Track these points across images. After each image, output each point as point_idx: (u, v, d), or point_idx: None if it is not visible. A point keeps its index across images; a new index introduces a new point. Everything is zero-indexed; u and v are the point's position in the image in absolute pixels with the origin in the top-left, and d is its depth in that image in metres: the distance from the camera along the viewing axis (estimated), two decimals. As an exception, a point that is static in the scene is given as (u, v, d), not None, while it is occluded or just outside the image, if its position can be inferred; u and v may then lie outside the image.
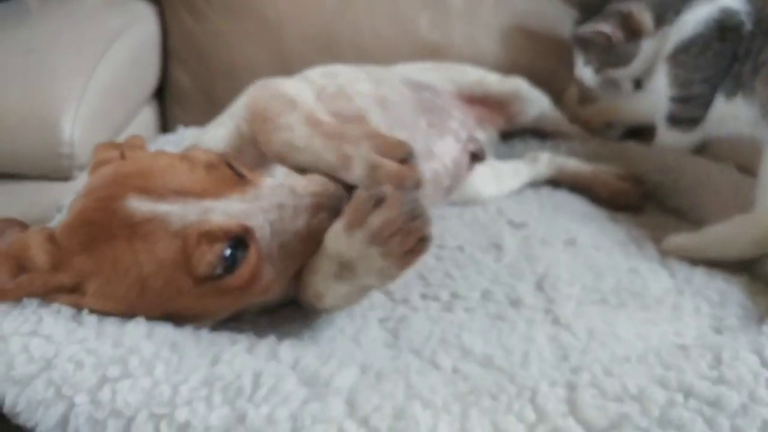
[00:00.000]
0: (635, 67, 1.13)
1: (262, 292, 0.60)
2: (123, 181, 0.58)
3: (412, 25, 1.31)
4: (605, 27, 1.09)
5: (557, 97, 1.28)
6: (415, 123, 0.98)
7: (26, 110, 0.85)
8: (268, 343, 0.54)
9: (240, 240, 0.57)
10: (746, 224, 0.82)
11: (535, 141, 1.24)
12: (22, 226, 0.65)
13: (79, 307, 0.56)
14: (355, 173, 0.62)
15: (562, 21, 1.25)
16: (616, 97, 1.27)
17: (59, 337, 0.52)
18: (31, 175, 0.88)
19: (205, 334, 0.56)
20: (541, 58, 1.32)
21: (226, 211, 0.57)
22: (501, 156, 1.18)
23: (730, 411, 0.46)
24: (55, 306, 0.56)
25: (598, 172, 1.10)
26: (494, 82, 1.19)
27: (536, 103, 1.21)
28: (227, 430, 0.46)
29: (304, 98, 0.73)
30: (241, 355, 0.52)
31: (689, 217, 0.99)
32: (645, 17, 1.10)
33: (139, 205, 0.56)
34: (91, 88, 0.93)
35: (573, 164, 1.14)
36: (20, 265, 0.58)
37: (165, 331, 0.55)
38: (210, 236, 0.55)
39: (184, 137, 1.11)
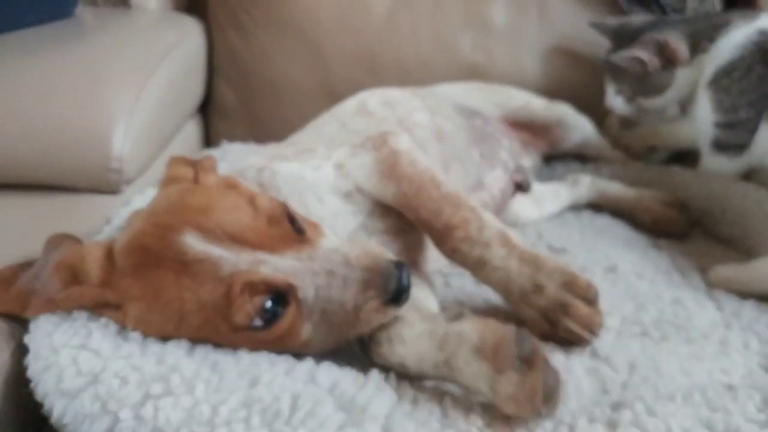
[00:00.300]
0: (668, 96, 1.12)
1: (299, 347, 0.60)
2: (185, 212, 0.59)
3: (454, 45, 1.31)
4: (642, 53, 1.08)
5: (599, 119, 1.26)
6: (469, 155, 0.99)
7: (79, 125, 0.88)
8: (306, 365, 0.54)
9: (282, 296, 0.58)
10: (798, 258, 0.79)
11: (576, 164, 1.23)
12: (77, 241, 0.67)
13: (122, 325, 0.58)
14: (541, 304, 0.66)
15: (604, 42, 1.23)
16: (659, 122, 1.24)
17: (106, 352, 0.54)
18: (80, 188, 0.90)
19: (244, 354, 0.57)
20: (583, 79, 1.31)
21: (276, 265, 0.57)
22: (542, 178, 1.17)
23: (779, 457, 0.44)
24: (104, 320, 0.58)
25: (641, 197, 1.08)
26: (540, 107, 1.19)
27: (580, 129, 1.21)
28: (264, 452, 0.46)
29: (431, 166, 0.75)
30: (279, 378, 0.52)
31: (738, 247, 0.96)
32: (680, 46, 1.09)
33: (194, 243, 0.56)
34: (142, 103, 0.95)
35: (615, 188, 1.12)
36: (74, 276, 0.60)
37: (205, 350, 0.56)
38: (253, 287, 0.56)
39: (226, 152, 1.13)
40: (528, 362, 0.52)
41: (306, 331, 0.59)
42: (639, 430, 0.46)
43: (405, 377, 0.57)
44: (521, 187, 1.06)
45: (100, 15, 1.30)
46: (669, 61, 1.09)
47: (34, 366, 0.55)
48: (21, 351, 0.58)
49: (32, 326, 0.59)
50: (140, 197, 0.85)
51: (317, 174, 0.74)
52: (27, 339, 0.58)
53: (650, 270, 0.86)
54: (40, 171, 0.89)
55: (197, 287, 0.56)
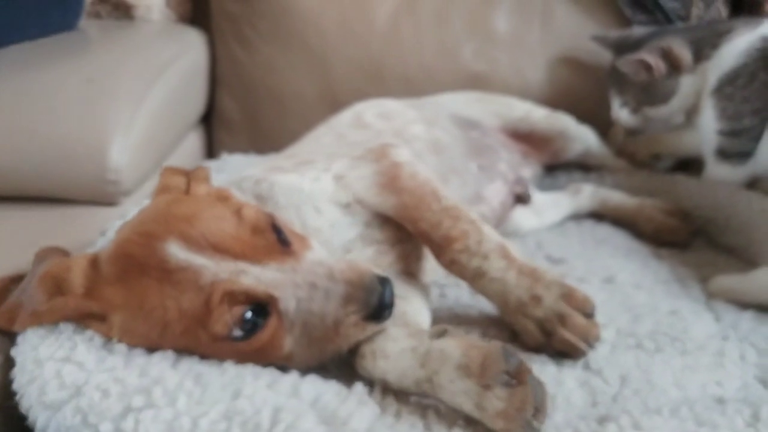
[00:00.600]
0: (674, 105, 1.10)
1: (281, 360, 0.60)
2: (170, 221, 0.59)
3: (457, 54, 1.31)
4: (648, 56, 1.07)
5: (603, 128, 1.25)
6: (466, 167, 0.98)
7: (76, 137, 0.89)
8: (290, 378, 0.54)
9: (263, 307, 0.57)
10: (799, 267, 0.78)
11: (578, 173, 1.22)
12: (65, 253, 0.68)
13: (107, 336, 0.58)
14: (537, 314, 0.66)
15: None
16: (663, 130, 1.23)
17: (90, 365, 0.54)
18: (78, 200, 0.91)
19: (230, 366, 0.56)
20: (587, 88, 1.30)
21: (258, 276, 0.57)
22: (544, 187, 1.16)
23: (767, 474, 0.43)
24: (89, 333, 0.58)
25: (643, 206, 1.07)
26: (540, 118, 1.18)
27: (582, 140, 1.19)
28: (244, 465, 0.46)
29: (431, 178, 0.76)
30: (262, 390, 0.52)
31: (742, 256, 0.95)
32: (684, 52, 1.08)
33: (177, 252, 0.57)
34: (140, 115, 0.96)
35: (617, 197, 1.11)
36: (58, 287, 0.60)
37: (190, 362, 0.56)
38: (233, 297, 0.56)
39: (225, 163, 1.13)
40: (516, 376, 0.52)
41: (287, 343, 0.59)
42: (623, 444, 0.45)
43: (390, 390, 0.57)
44: (521, 199, 1.06)
45: (103, 28, 1.31)
46: (674, 67, 1.08)
47: (19, 379, 0.55)
48: (9, 364, 0.58)
49: (19, 339, 0.59)
50: (137, 209, 0.86)
51: (315, 186, 0.74)
52: (14, 352, 0.58)
53: (649, 280, 0.85)
54: (38, 182, 0.90)
55: (179, 295, 0.56)
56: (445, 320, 0.73)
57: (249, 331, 0.57)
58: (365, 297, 0.58)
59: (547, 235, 0.98)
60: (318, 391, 0.52)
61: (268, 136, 1.33)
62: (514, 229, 1.03)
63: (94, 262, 0.60)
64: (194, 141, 1.33)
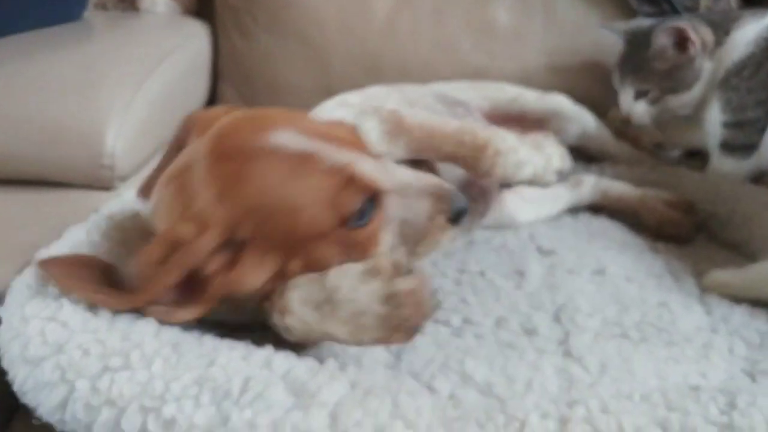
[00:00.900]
0: (695, 92, 1.06)
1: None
2: (266, 119, 0.59)
3: (456, 47, 1.30)
4: (687, 27, 1.01)
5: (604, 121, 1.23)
6: None
7: (72, 121, 0.90)
8: (264, 352, 0.54)
9: (373, 199, 0.59)
10: (796, 262, 0.76)
11: (580, 163, 1.19)
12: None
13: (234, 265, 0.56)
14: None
15: (612, 45, 1.21)
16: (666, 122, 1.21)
17: (74, 325, 0.54)
18: (73, 183, 0.91)
19: (209, 338, 0.56)
20: (589, 83, 1.29)
21: (370, 168, 0.59)
22: (543, 180, 1.14)
23: (736, 462, 0.42)
24: (75, 296, 0.58)
25: (646, 197, 1.04)
26: (532, 99, 1.15)
27: (578, 120, 1.15)
28: (210, 430, 0.47)
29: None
30: (236, 361, 0.52)
31: (742, 251, 0.92)
32: (708, 33, 1.04)
33: (290, 140, 0.57)
34: (138, 102, 0.97)
35: (619, 188, 1.08)
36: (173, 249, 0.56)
37: (172, 332, 0.56)
38: (357, 183, 0.57)
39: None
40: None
41: (385, 241, 0.61)
42: (590, 426, 0.44)
43: (361, 367, 0.57)
44: None
45: (108, 18, 1.32)
46: (703, 45, 1.03)
47: (4, 335, 0.56)
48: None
49: (8, 299, 0.59)
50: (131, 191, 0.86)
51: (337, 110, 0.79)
52: (1, 311, 0.58)
53: (642, 273, 0.83)
54: (33, 166, 0.91)
55: (303, 183, 0.56)
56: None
57: (360, 221, 0.58)
58: (448, 202, 0.62)
59: (541, 227, 0.97)
60: (290, 365, 0.52)
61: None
62: (508, 221, 1.02)
63: (183, 214, 0.56)
64: (195, 131, 1.34)
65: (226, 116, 0.63)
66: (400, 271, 0.55)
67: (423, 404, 0.48)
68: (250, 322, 0.62)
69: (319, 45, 1.30)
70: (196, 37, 1.33)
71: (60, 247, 0.66)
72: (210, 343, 0.55)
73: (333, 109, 0.94)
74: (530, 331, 0.67)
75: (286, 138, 0.57)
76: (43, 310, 0.56)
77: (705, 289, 0.80)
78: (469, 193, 0.83)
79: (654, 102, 1.10)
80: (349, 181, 0.57)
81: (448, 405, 0.48)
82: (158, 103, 1.04)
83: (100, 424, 0.48)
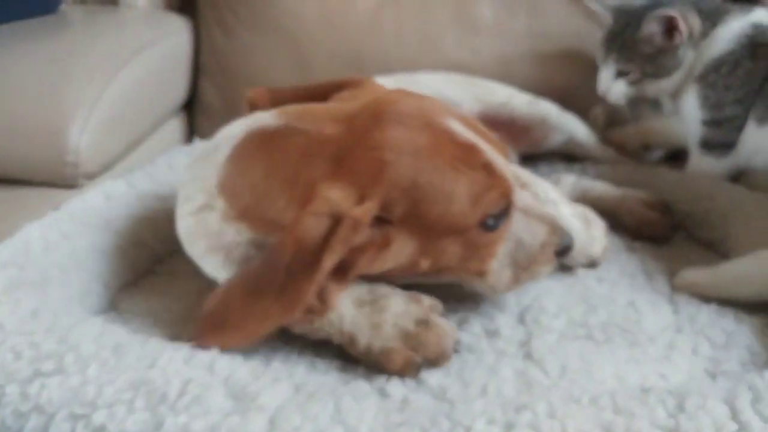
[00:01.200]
0: (675, 79, 1.04)
1: (483, 271, 0.63)
2: (437, 106, 0.60)
3: (440, 43, 1.29)
4: (677, 15, 0.99)
5: (588, 118, 1.22)
6: None
7: (36, 117, 0.89)
8: (208, 355, 0.53)
9: (507, 208, 0.61)
10: (764, 261, 0.75)
11: (561, 163, 1.18)
12: None
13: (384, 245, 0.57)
14: None
15: (596, 40, 1.19)
16: (650, 119, 1.20)
17: (9, 326, 0.54)
18: (37, 181, 0.90)
19: (154, 340, 0.55)
20: (573, 78, 1.27)
21: (509, 174, 0.60)
22: (524, 178, 1.13)
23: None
24: (17, 296, 0.56)
25: (625, 198, 1.03)
26: (522, 105, 1.13)
27: (563, 130, 1.15)
28: (142, 436, 0.46)
29: None
30: (177, 363, 0.51)
31: (719, 250, 0.91)
32: (696, 22, 1.02)
33: (460, 128, 0.57)
34: (107, 97, 0.95)
35: (599, 188, 1.07)
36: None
37: (115, 333, 0.55)
38: (503, 187, 0.58)
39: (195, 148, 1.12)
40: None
41: (500, 252, 0.62)
42: (534, 431, 0.43)
43: (313, 370, 0.55)
44: None
45: (85, 12, 1.31)
46: (690, 34, 1.01)
47: None
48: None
49: None
50: (95, 189, 0.85)
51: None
52: None
53: (614, 273, 0.82)
54: (-3, 162, 0.90)
55: (464, 175, 0.56)
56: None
57: (493, 226, 0.59)
58: (560, 235, 0.64)
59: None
60: (233, 368, 0.51)
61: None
62: None
63: (341, 186, 0.55)
64: (175, 127, 1.33)
65: (378, 87, 0.66)
66: (436, 310, 0.59)
67: (367, 409, 0.47)
68: None
69: (301, 41, 1.29)
70: (175, 32, 1.31)
71: (9, 246, 0.65)
72: (154, 344, 0.54)
73: None
74: (492, 333, 0.65)
75: (458, 126, 0.57)
76: (-18, 311, 0.55)
77: (676, 289, 0.79)
78: None
79: (633, 83, 1.08)
80: (498, 182, 0.58)
81: (392, 410, 0.47)
82: (130, 99, 1.03)
83: (28, 432, 0.47)
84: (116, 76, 1.00)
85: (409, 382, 0.57)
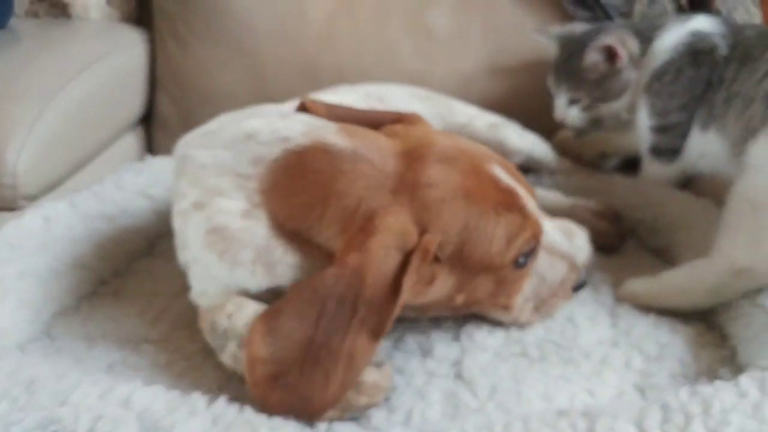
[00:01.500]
0: (624, 100, 1.07)
1: (508, 305, 0.67)
2: (481, 151, 0.64)
3: (395, 52, 1.28)
4: (615, 42, 1.02)
5: (546, 126, 1.22)
6: None
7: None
8: (126, 388, 0.52)
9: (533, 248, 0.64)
10: (702, 271, 0.75)
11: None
12: None
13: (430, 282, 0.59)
14: None
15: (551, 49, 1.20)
16: (611, 129, 1.20)
17: None
18: (-28, 203, 0.88)
19: (72, 375, 0.54)
20: (530, 86, 1.27)
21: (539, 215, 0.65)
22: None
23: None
24: None
25: (575, 207, 1.03)
26: (481, 129, 1.12)
27: (522, 153, 1.14)
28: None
29: None
30: (91, 398, 0.50)
31: (667, 258, 0.92)
32: (634, 44, 1.04)
33: (503, 174, 0.62)
34: (49, 115, 0.94)
35: (551, 197, 1.07)
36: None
37: (32, 368, 0.53)
38: (534, 228, 0.63)
39: (147, 166, 1.11)
40: None
41: (526, 288, 0.67)
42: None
43: (234, 402, 0.55)
44: None
45: (37, 27, 1.29)
46: (630, 57, 1.04)
47: None
48: None
49: None
50: (34, 211, 0.83)
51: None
52: None
53: (558, 286, 0.82)
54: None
55: (504, 220, 0.60)
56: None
57: (523, 264, 0.63)
58: (578, 272, 0.69)
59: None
60: (150, 401, 0.50)
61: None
62: None
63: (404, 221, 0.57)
64: (131, 142, 1.31)
65: (429, 126, 0.69)
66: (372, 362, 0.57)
67: (286, 438, 0.47)
68: None
69: (254, 52, 1.28)
70: (129, 45, 1.30)
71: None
72: (71, 379, 0.52)
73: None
74: (426, 352, 0.65)
75: (500, 171, 0.62)
76: None
77: (619, 300, 0.79)
78: None
79: (586, 109, 1.10)
80: (530, 224, 0.62)
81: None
82: (75, 116, 1.01)
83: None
84: (59, 93, 0.98)
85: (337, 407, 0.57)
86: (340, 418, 0.55)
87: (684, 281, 0.77)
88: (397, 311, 0.55)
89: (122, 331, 0.72)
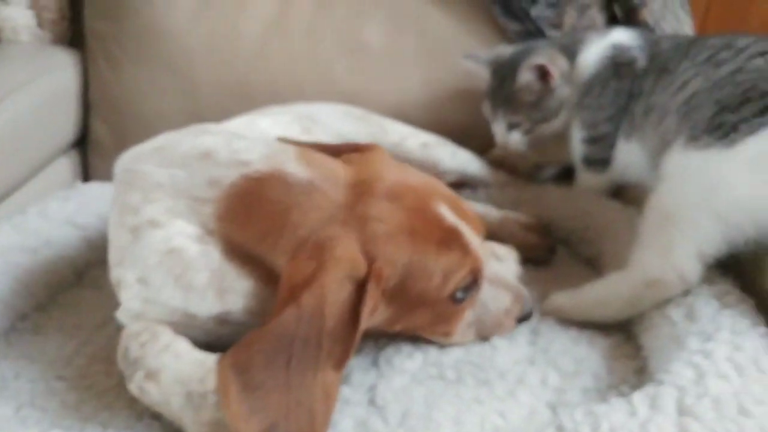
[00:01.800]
0: (562, 117, 1.08)
1: (449, 333, 0.69)
2: (432, 187, 0.66)
3: (329, 70, 1.28)
4: (546, 61, 1.03)
5: (481, 141, 1.22)
6: None
7: None
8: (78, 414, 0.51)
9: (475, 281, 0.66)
10: (618, 282, 0.77)
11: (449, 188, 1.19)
12: None
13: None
14: None
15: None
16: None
17: None
18: None
19: (27, 407, 0.52)
20: (466, 102, 1.27)
21: (480, 251, 0.66)
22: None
23: None
24: None
25: (505, 221, 1.04)
26: (414, 149, 1.13)
27: (455, 172, 1.15)
28: None
29: None
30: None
31: (596, 267, 0.93)
32: (563, 61, 1.06)
33: (448, 213, 0.63)
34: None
35: (480, 210, 1.07)
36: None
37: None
38: (474, 264, 0.64)
39: (78, 193, 1.09)
40: None
41: (467, 318, 0.68)
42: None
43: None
44: None
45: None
46: (561, 74, 1.06)
47: None
48: None
49: None
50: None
51: None
52: None
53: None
54: None
55: (445, 257, 0.62)
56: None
57: (461, 299, 0.65)
58: (522, 303, 0.72)
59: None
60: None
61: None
62: None
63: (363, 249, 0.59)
64: (65, 167, 1.29)
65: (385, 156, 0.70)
66: None
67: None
68: None
69: (187, 72, 1.26)
70: (60, 68, 1.27)
71: None
72: (26, 412, 0.51)
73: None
74: (344, 379, 0.65)
75: (446, 210, 0.63)
76: None
77: (544, 314, 0.80)
78: None
79: (527, 133, 1.11)
80: (469, 261, 0.63)
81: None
82: (1, 141, 0.98)
83: None
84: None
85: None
86: None
87: (602, 293, 0.78)
88: (358, 338, 0.57)
89: (36, 369, 0.70)
